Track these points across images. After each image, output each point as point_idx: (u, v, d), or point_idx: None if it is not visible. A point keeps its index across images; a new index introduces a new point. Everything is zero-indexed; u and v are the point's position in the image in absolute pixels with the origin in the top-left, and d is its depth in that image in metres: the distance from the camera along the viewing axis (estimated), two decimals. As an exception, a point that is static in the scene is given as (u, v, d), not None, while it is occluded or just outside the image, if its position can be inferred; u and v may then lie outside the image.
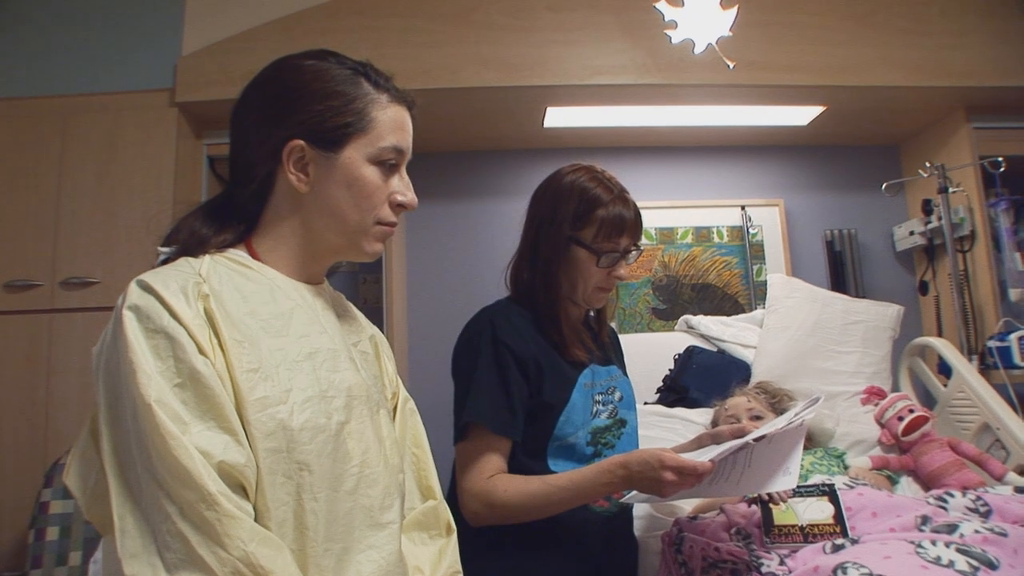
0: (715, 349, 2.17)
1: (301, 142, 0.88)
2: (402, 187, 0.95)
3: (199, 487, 0.70)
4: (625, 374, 1.50)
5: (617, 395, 1.41)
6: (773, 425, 1.17)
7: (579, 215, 1.33)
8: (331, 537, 0.80)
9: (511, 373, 1.27)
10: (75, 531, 1.82)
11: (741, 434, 1.20)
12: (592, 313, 1.49)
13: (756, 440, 1.19)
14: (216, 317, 0.79)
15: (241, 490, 0.75)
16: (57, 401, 2.08)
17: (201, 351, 0.76)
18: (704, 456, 1.11)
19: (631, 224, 1.34)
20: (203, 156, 2.40)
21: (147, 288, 0.78)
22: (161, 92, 2.27)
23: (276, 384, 0.80)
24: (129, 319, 0.76)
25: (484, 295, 1.45)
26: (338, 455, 0.83)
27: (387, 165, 0.92)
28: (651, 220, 2.75)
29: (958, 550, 1.11)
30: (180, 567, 0.69)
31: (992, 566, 1.08)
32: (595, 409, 1.36)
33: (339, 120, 0.88)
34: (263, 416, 0.77)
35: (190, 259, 0.86)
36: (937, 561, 1.08)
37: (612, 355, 1.49)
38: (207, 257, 0.86)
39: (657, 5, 2.19)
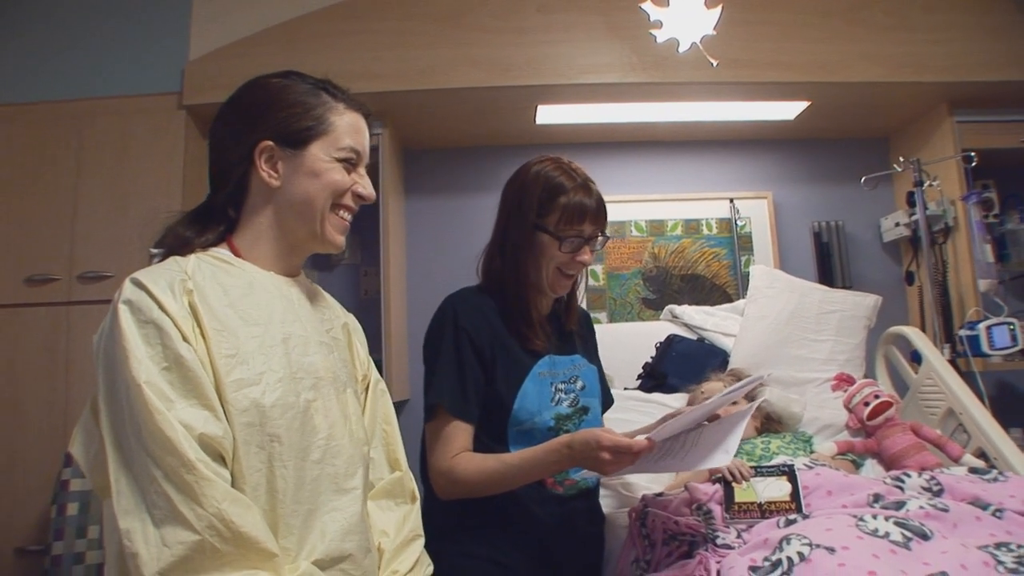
0: (695, 338, 2.25)
1: (270, 142, 1.00)
2: (362, 182, 1.06)
3: (180, 454, 0.81)
4: (591, 362, 1.56)
5: (579, 384, 1.48)
6: (714, 401, 1.26)
7: (543, 203, 1.40)
8: (299, 500, 0.91)
9: (468, 358, 1.36)
10: (93, 507, 1.96)
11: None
12: (562, 302, 1.56)
13: (709, 421, 1.29)
14: (199, 309, 0.91)
15: (219, 458, 0.86)
16: (75, 388, 2.21)
17: (185, 339, 0.87)
18: (659, 436, 1.20)
19: (592, 211, 1.40)
20: (210, 156, 2.51)
21: (139, 284, 0.89)
22: (170, 96, 2.39)
23: (251, 368, 0.91)
24: (123, 311, 0.87)
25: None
26: (306, 429, 0.94)
27: (347, 163, 1.04)
28: (641, 212, 2.84)
29: (896, 523, 1.19)
30: (165, 522, 0.80)
31: (925, 537, 1.16)
32: (556, 397, 1.43)
33: (302, 124, 1.01)
34: (239, 395, 0.89)
35: (178, 258, 0.97)
36: (874, 532, 1.17)
37: (579, 343, 1.56)
38: (193, 256, 0.98)
39: (643, 5, 2.26)
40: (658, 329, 2.34)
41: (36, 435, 2.18)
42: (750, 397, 1.84)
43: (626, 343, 2.30)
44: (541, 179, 1.42)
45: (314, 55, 2.38)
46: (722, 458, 1.18)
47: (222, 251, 1.02)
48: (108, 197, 2.32)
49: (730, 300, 2.71)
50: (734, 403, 1.75)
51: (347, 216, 1.07)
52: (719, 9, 2.24)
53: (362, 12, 2.42)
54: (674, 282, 2.80)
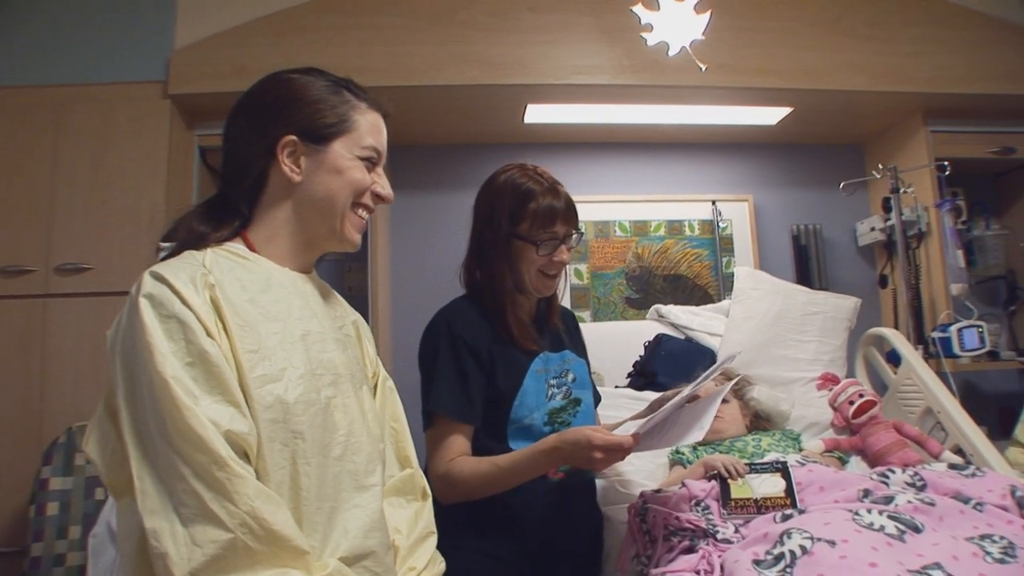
0: (683, 337, 2.29)
1: (294, 137, 0.99)
2: (381, 182, 1.07)
3: (211, 451, 0.80)
4: (580, 356, 1.60)
5: (571, 377, 1.52)
6: (694, 385, 1.35)
7: (514, 211, 1.44)
8: (322, 497, 0.90)
9: (467, 364, 1.39)
10: (74, 507, 1.91)
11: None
12: (545, 301, 1.58)
13: (689, 402, 1.36)
14: (221, 304, 0.89)
15: (244, 455, 0.85)
16: (51, 383, 2.15)
17: (208, 334, 0.86)
18: (644, 429, 1.26)
19: (562, 212, 1.44)
20: (194, 147, 2.47)
21: (160, 278, 0.87)
22: (154, 84, 2.35)
23: (273, 363, 0.90)
24: (145, 306, 0.85)
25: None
26: (327, 425, 0.93)
27: (368, 163, 1.04)
28: (626, 213, 2.88)
29: (889, 517, 1.24)
30: (194, 520, 0.79)
31: (917, 530, 1.22)
32: (550, 392, 1.47)
33: (325, 120, 1.01)
34: (263, 391, 0.87)
35: (194, 252, 0.95)
36: (870, 526, 1.21)
37: (566, 340, 1.59)
38: (209, 251, 0.96)
39: (634, 8, 2.29)
40: (644, 328, 2.36)
41: (10, 433, 2.11)
42: (739, 395, 1.88)
43: (612, 342, 2.32)
44: (509, 188, 1.45)
45: (303, 48, 2.35)
46: (696, 434, 1.24)
47: (237, 246, 1.00)
48: (87, 186, 2.26)
49: (711, 300, 2.76)
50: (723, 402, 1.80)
51: (365, 215, 1.07)
52: (708, 14, 2.28)
53: (352, 6, 2.40)
54: (657, 282, 2.84)
